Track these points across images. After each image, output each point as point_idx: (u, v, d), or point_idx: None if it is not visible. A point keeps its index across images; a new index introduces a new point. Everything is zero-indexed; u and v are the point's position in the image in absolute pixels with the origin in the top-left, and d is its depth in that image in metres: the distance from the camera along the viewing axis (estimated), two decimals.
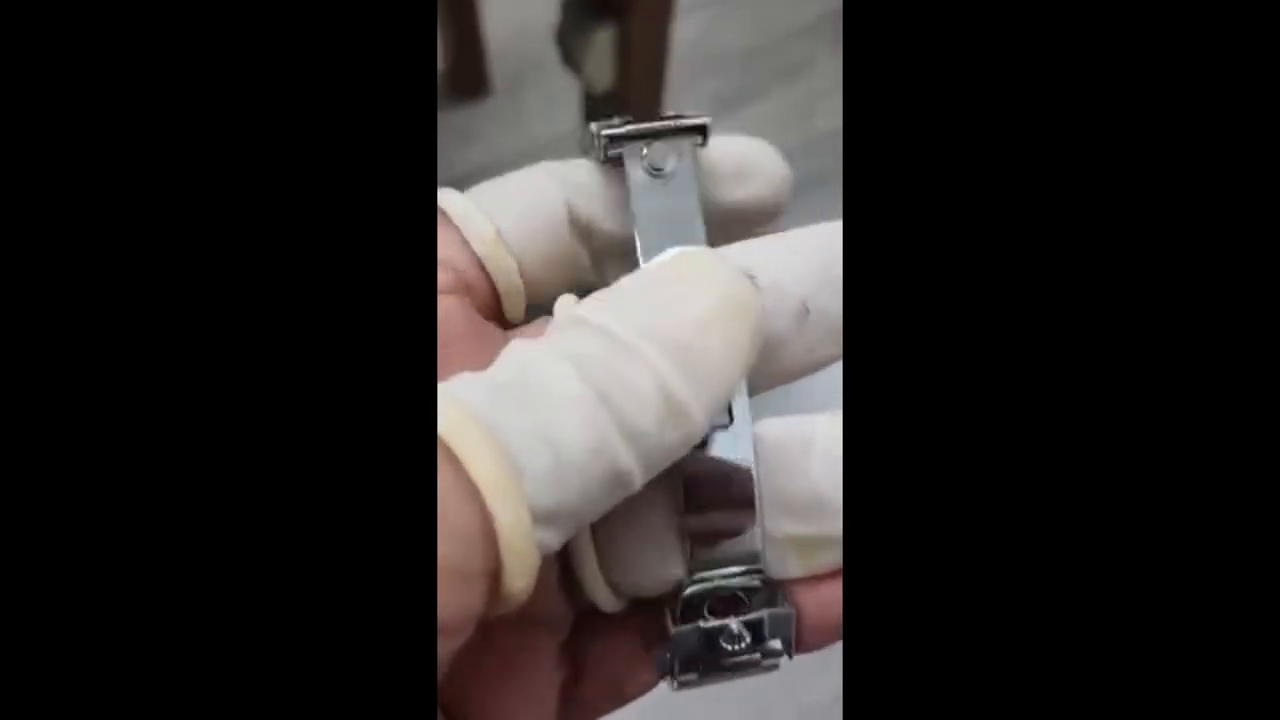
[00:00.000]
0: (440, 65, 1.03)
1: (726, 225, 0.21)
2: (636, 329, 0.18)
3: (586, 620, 0.21)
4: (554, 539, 0.17)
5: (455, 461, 0.16)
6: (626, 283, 0.19)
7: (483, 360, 0.18)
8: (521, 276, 0.22)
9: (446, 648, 0.16)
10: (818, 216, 0.21)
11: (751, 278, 0.19)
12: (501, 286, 0.22)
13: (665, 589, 0.20)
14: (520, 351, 0.18)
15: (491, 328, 0.21)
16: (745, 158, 0.22)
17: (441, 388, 0.17)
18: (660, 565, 0.20)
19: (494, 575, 0.16)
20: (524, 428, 0.16)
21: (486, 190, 0.22)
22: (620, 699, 0.22)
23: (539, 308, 0.22)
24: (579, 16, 0.81)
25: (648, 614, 0.21)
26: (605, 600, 0.20)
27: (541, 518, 0.17)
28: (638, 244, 0.20)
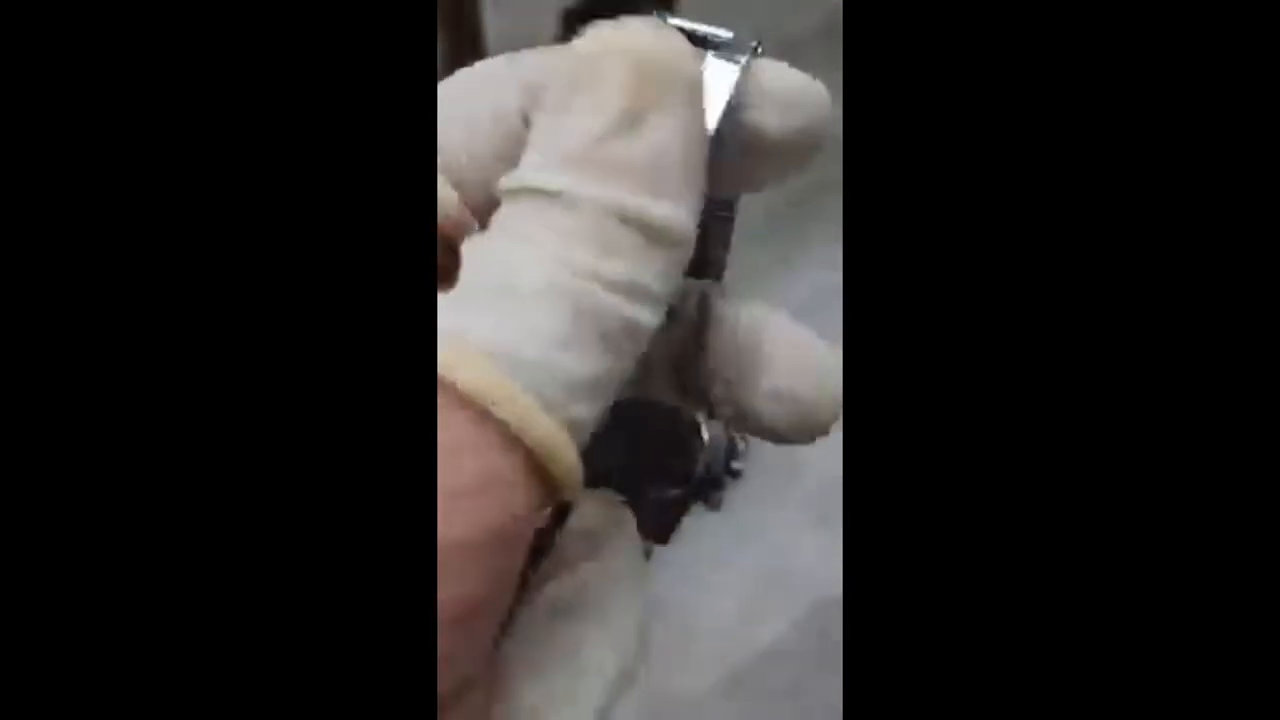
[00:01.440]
0: (440, 73, 1.04)
1: (765, 158, 0.19)
2: (562, 170, 0.16)
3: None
4: (587, 409, 0.16)
5: (442, 383, 0.15)
6: (540, 119, 0.17)
7: None
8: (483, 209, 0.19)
9: (504, 562, 0.16)
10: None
11: (656, 27, 0.17)
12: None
13: None
14: (475, 250, 0.17)
15: None
16: (791, 90, 0.19)
17: None
18: None
19: (536, 468, 0.16)
20: (499, 323, 0.16)
21: (445, 110, 0.19)
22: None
23: None
24: (579, 27, 0.81)
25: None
26: None
27: (559, 397, 0.16)
28: None
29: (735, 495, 0.92)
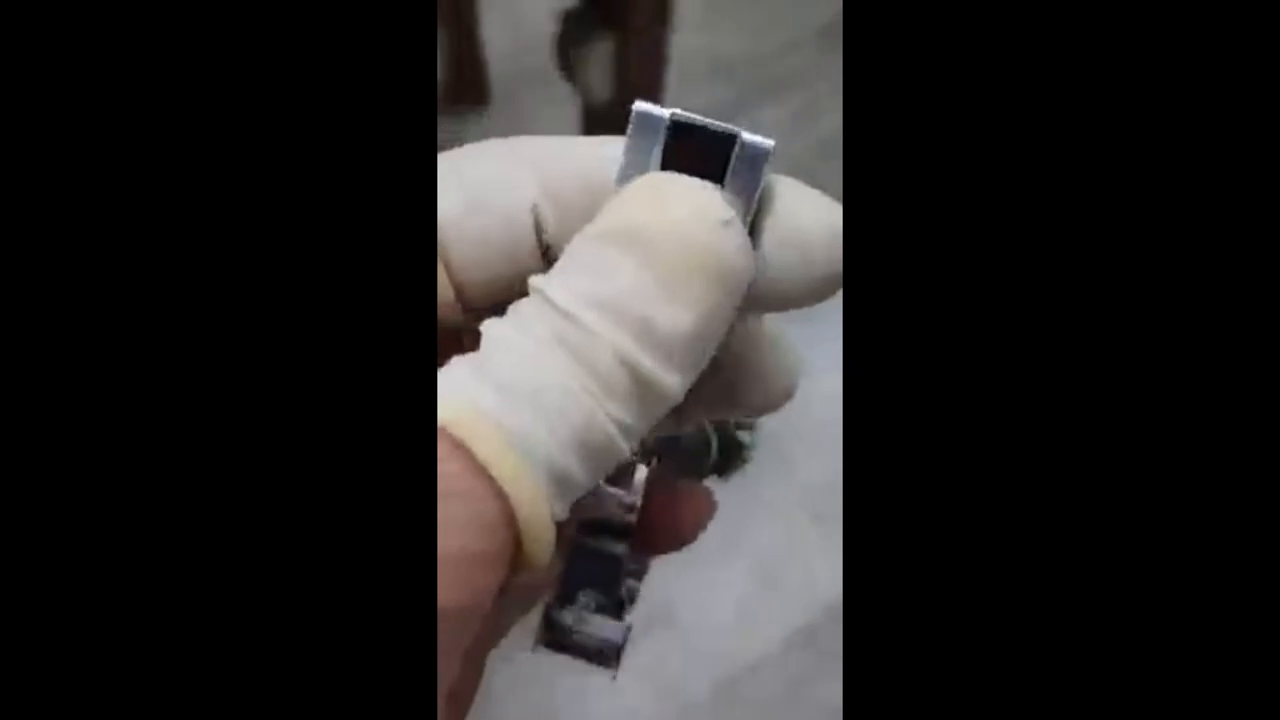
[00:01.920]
0: (439, 75, 1.04)
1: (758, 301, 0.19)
2: (586, 303, 0.17)
3: None
4: (561, 511, 0.17)
5: (462, 447, 0.16)
6: (577, 249, 0.18)
7: None
8: (464, 299, 0.20)
9: (468, 634, 0.17)
10: None
11: (725, 221, 0.18)
12: (447, 330, 0.20)
13: None
14: (497, 335, 0.18)
15: None
16: (799, 229, 0.19)
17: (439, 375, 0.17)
18: None
19: (514, 547, 0.17)
20: (515, 406, 0.17)
21: (450, 189, 0.19)
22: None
23: None
24: (578, 27, 0.81)
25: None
26: None
27: (551, 491, 0.17)
28: None
29: (735, 496, 0.92)
